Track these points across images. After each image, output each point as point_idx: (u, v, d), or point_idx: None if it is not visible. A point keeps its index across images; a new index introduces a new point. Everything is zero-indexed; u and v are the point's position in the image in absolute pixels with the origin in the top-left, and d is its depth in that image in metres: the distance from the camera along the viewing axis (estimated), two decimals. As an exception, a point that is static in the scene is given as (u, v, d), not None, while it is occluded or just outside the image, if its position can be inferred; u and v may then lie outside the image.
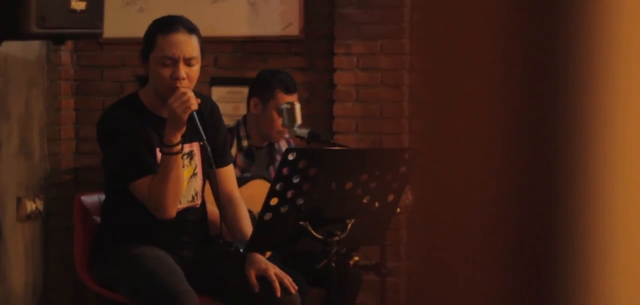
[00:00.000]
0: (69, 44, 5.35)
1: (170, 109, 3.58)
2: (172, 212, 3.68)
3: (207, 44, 3.93)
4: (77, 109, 5.45)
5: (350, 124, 5.19)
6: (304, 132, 4.29)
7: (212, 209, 3.98)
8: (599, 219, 0.90)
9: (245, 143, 4.56)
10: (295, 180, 3.30)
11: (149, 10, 5.22)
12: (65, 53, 5.37)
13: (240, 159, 4.56)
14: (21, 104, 5.01)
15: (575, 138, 0.90)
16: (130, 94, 3.86)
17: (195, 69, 3.72)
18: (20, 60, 4.98)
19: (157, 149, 3.72)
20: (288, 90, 4.47)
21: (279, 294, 3.71)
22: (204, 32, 3.94)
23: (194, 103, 3.58)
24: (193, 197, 3.83)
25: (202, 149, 3.78)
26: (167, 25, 3.72)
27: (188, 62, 3.69)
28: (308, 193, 3.34)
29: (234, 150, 4.52)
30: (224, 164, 3.88)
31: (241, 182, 4.28)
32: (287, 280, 3.73)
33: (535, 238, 0.91)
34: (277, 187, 3.30)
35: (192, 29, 3.74)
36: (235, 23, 5.27)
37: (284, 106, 4.30)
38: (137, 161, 3.69)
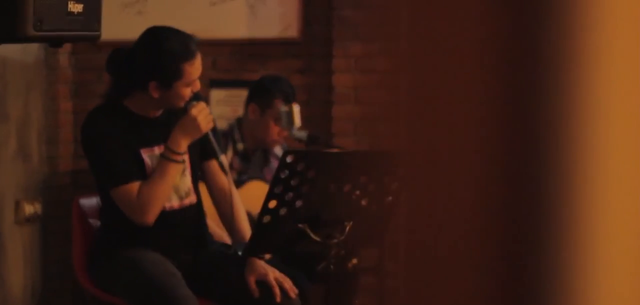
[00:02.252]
0: (67, 46, 5.34)
1: (192, 119, 3.63)
2: (153, 218, 3.68)
3: (205, 46, 3.94)
4: (76, 111, 5.44)
5: (349, 126, 5.19)
6: (302, 134, 4.29)
7: (212, 225, 3.99)
8: (583, 219, 0.90)
9: (240, 146, 4.56)
10: (294, 183, 3.29)
11: (147, 13, 5.22)
12: (64, 56, 5.37)
13: (236, 162, 4.56)
14: (19, 106, 5.00)
15: (559, 138, 0.89)
16: (113, 100, 3.82)
17: None
18: (19, 63, 4.97)
19: (142, 150, 3.73)
20: (287, 100, 4.48)
21: (278, 299, 3.70)
22: (203, 35, 3.94)
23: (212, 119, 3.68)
24: (186, 195, 3.82)
25: (193, 147, 3.78)
26: (188, 51, 3.70)
27: None
28: (306, 195, 3.33)
29: (229, 154, 4.53)
30: (213, 155, 3.86)
31: (238, 184, 4.28)
32: (288, 284, 3.73)
33: (520, 240, 0.91)
34: (276, 189, 3.29)
35: (199, 45, 3.79)
36: (234, 25, 5.27)
37: (283, 109, 4.31)
38: (120, 167, 3.69)
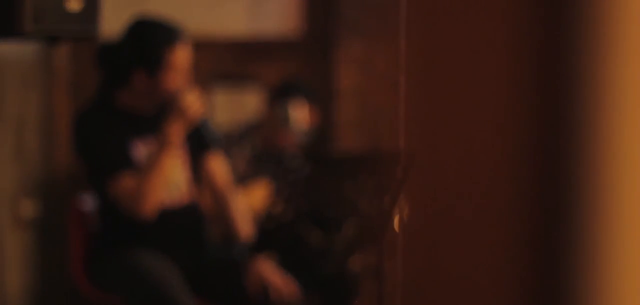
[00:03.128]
0: (66, 44, 5.32)
1: (182, 107, 3.64)
2: (151, 211, 3.67)
3: (206, 44, 3.94)
4: (74, 110, 5.42)
5: (350, 126, 5.18)
6: (306, 135, 4.31)
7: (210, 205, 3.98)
8: (606, 222, 0.88)
9: (252, 148, 4.60)
10: (296, 184, 3.29)
11: (148, 11, 5.20)
12: (62, 54, 5.35)
13: (247, 164, 4.59)
14: (16, 105, 4.98)
15: (582, 138, 0.88)
16: (103, 96, 3.84)
17: None
18: (16, 60, 4.95)
19: (135, 146, 3.73)
20: (298, 101, 4.54)
21: (279, 300, 3.70)
22: (204, 32, 3.94)
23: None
24: (183, 189, 3.81)
25: (190, 139, 3.79)
26: (170, 38, 3.71)
27: None
28: (308, 196, 3.32)
29: (246, 154, 4.56)
30: (207, 149, 3.87)
31: (244, 183, 4.31)
32: (288, 284, 3.72)
33: (539, 241, 0.89)
34: (278, 190, 3.29)
35: (185, 35, 3.80)
36: (235, 23, 5.26)
37: (288, 109, 4.35)
38: (114, 162, 3.70)
